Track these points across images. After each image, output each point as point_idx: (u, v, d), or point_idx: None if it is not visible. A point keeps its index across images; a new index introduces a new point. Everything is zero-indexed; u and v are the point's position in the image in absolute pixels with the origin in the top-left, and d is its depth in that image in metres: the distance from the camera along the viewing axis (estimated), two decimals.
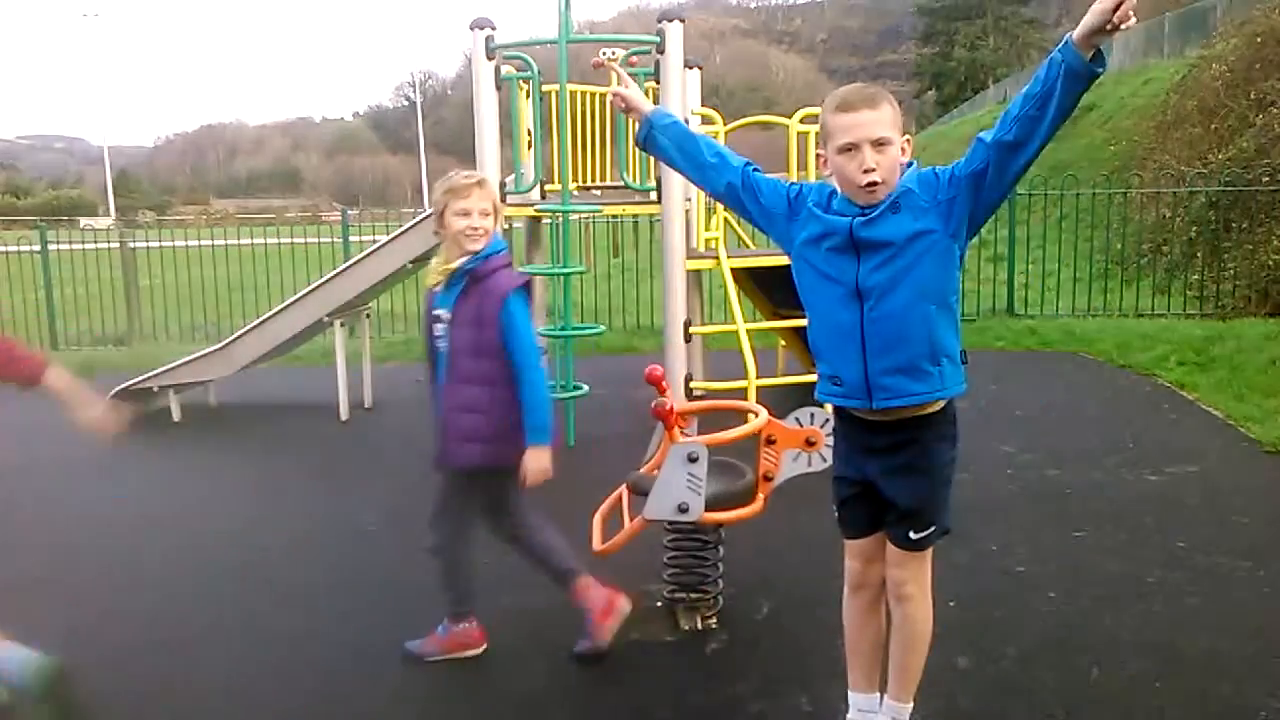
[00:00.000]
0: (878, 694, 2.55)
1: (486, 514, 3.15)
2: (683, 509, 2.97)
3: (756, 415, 3.25)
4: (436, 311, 3.01)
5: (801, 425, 3.16)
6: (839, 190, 2.27)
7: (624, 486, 3.47)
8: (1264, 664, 2.96)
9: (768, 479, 3.19)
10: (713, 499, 3.02)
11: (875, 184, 2.16)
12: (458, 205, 2.92)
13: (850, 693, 2.57)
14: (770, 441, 3.17)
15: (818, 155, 2.27)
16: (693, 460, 2.96)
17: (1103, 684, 2.87)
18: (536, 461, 2.93)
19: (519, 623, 3.41)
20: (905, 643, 2.44)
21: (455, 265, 2.94)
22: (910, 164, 2.26)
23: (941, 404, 2.32)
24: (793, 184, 2.42)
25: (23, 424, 7.00)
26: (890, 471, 2.34)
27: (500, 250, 2.99)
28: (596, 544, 3.37)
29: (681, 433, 3.14)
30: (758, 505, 3.18)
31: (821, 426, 3.16)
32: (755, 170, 2.45)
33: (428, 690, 3.00)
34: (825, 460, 3.17)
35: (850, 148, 2.16)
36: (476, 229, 2.92)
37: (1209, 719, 2.69)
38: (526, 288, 3.00)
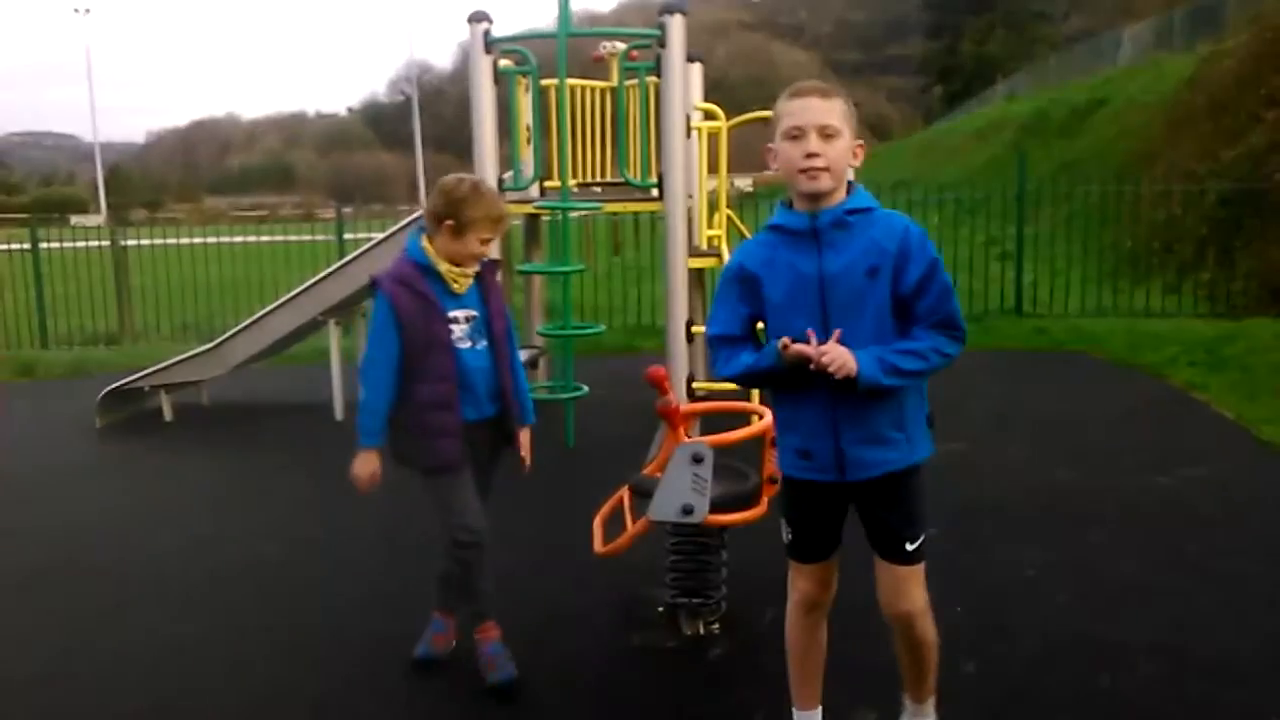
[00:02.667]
0: (820, 707, 2.54)
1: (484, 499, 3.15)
2: (687, 510, 2.92)
3: (761, 416, 3.19)
4: (455, 314, 2.95)
5: None
6: (788, 194, 2.23)
7: (625, 488, 3.44)
8: (1277, 669, 2.92)
9: (772, 482, 3.13)
10: (717, 501, 2.98)
11: (817, 169, 2.11)
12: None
13: (798, 712, 2.53)
14: (774, 443, 3.10)
15: (767, 148, 2.22)
16: (698, 460, 2.91)
17: (1113, 689, 2.82)
18: (529, 440, 3.09)
19: (518, 628, 3.33)
20: (921, 655, 2.42)
21: (479, 268, 3.00)
22: (870, 196, 2.21)
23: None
24: (725, 280, 2.32)
25: (13, 425, 7.00)
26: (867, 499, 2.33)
27: None
28: (598, 546, 3.36)
29: (686, 434, 3.07)
30: (762, 508, 3.15)
31: None
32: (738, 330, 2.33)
33: (425, 694, 2.98)
34: None
35: (796, 133, 2.13)
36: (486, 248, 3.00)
37: None
38: None
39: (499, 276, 3.10)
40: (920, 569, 2.35)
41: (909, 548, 2.31)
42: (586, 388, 5.94)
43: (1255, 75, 12.21)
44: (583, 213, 6.83)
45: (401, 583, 3.83)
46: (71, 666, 3.21)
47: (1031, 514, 4.36)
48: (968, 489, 4.69)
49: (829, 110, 2.12)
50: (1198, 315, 9.16)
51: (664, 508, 2.94)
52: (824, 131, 2.11)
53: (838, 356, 2.08)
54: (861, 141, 2.21)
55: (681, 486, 2.91)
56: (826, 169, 2.12)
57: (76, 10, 69.58)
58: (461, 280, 2.93)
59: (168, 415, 6.76)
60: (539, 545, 4.13)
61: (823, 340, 2.13)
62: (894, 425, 2.22)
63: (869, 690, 2.84)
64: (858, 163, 2.20)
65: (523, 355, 6.64)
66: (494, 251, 3.12)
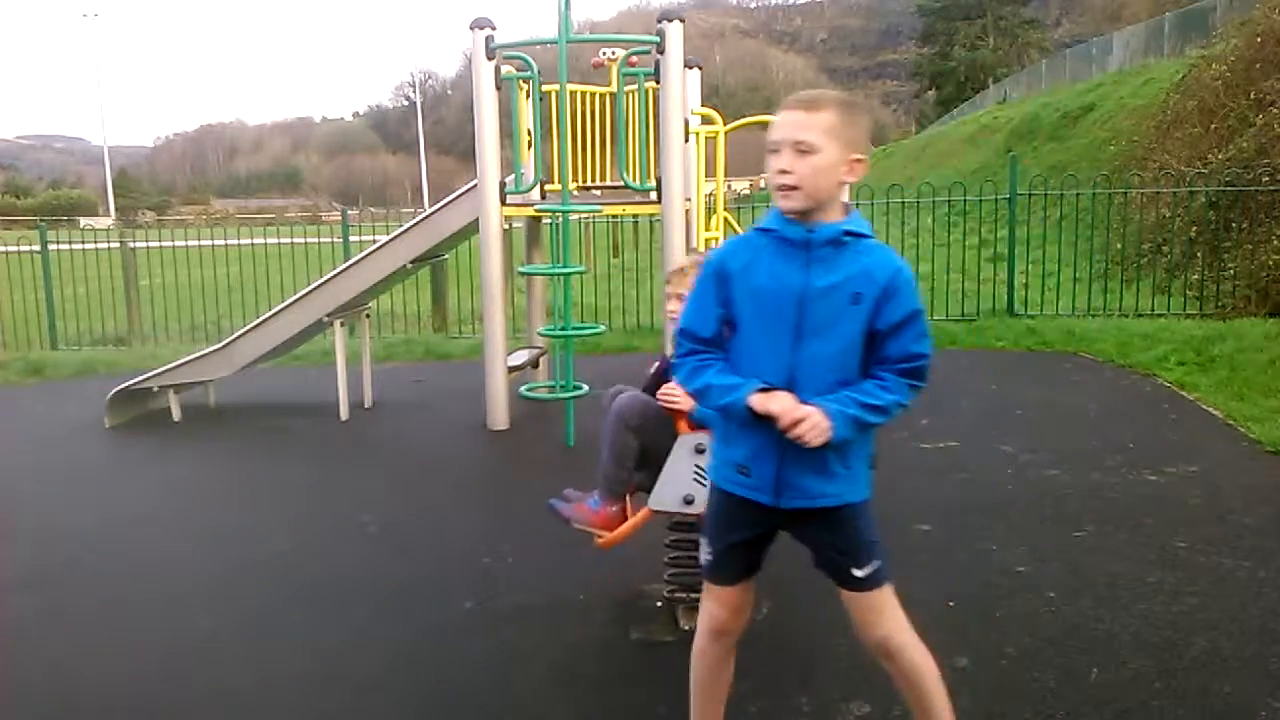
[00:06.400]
0: None
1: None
2: (688, 501, 2.96)
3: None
4: None
5: None
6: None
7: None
8: (1264, 664, 2.95)
9: None
10: None
11: (787, 188, 2.02)
12: (670, 290, 3.15)
13: None
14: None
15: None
16: (700, 452, 2.95)
17: (1102, 684, 2.84)
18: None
19: (519, 622, 3.41)
20: (920, 691, 2.24)
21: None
22: (856, 211, 2.12)
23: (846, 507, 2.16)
24: (704, 275, 2.19)
25: (23, 424, 7.02)
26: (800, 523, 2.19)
27: None
28: (600, 538, 3.34)
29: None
30: None
31: None
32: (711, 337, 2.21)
33: (428, 689, 3.00)
34: None
35: (773, 147, 2.04)
36: (674, 312, 3.16)
37: (1209, 719, 2.69)
38: None
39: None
40: (884, 593, 2.19)
41: (857, 574, 2.17)
42: (587, 387, 5.96)
43: (1244, 79, 12.29)
44: (583, 215, 6.89)
45: (409, 578, 3.85)
46: (80, 664, 3.21)
47: (1022, 510, 4.37)
48: (960, 486, 4.74)
49: (807, 125, 2.01)
50: (1187, 315, 9.18)
51: (666, 498, 2.98)
52: (799, 147, 2.01)
53: (814, 426, 1.99)
54: (859, 156, 2.07)
55: (683, 477, 2.94)
56: (796, 188, 2.01)
57: (85, 15, 69.00)
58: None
59: (176, 415, 6.77)
60: (539, 540, 4.15)
61: (787, 361, 2.06)
62: (840, 460, 2.10)
63: (862, 684, 2.88)
64: (853, 179, 2.08)
65: (524, 355, 6.79)
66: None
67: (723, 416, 2.18)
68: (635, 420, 3.13)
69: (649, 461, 3.13)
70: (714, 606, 2.30)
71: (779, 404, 2.02)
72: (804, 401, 2.03)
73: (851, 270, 2.04)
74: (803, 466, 2.09)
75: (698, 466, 2.95)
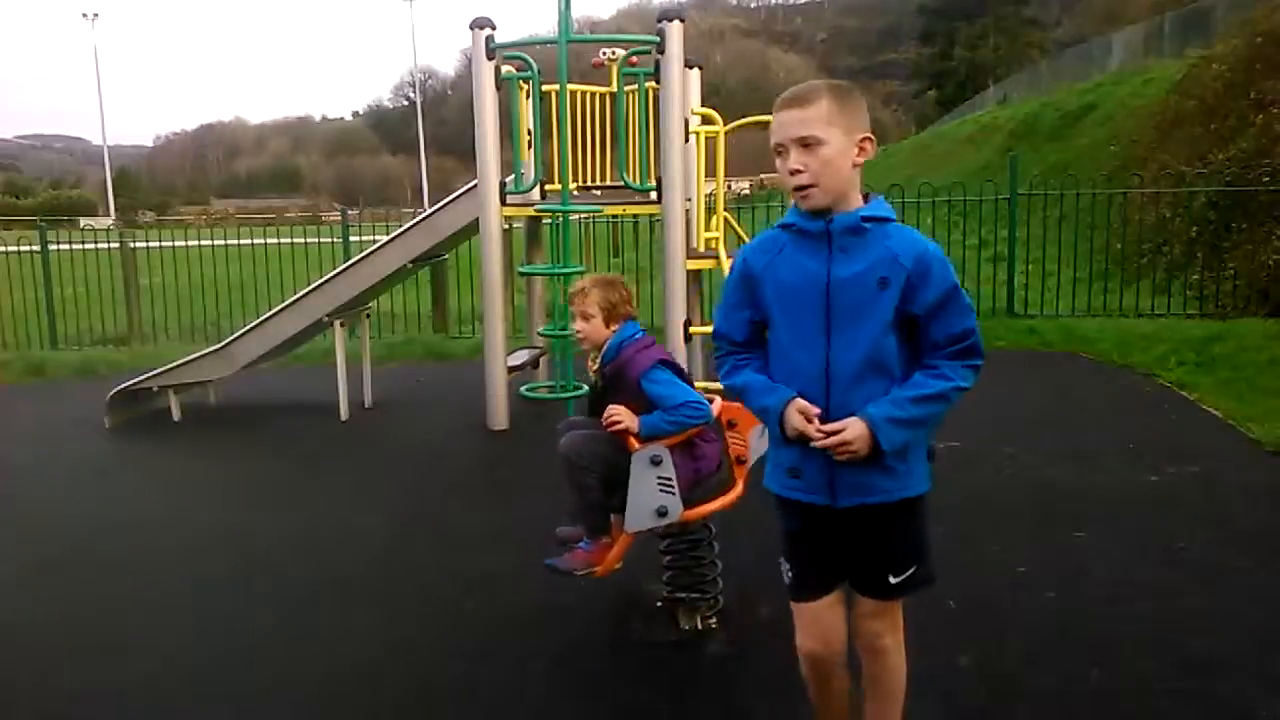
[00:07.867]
0: None
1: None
2: (661, 513, 2.95)
3: (711, 401, 3.16)
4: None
5: None
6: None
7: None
8: (1264, 664, 2.94)
9: (740, 462, 3.20)
10: (691, 496, 3.01)
11: (804, 187, 2.01)
12: (574, 309, 3.24)
13: None
14: (731, 425, 3.21)
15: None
16: (656, 463, 2.94)
17: (1103, 684, 2.85)
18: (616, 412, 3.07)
19: (519, 622, 3.41)
20: (886, 696, 2.26)
21: (595, 368, 3.24)
22: (879, 200, 2.11)
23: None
24: (731, 279, 2.22)
25: (22, 423, 7.01)
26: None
27: (630, 337, 3.18)
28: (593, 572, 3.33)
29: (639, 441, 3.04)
30: (738, 489, 3.18)
31: None
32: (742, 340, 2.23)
33: (427, 691, 2.99)
34: None
35: (779, 150, 2.04)
36: (578, 331, 3.27)
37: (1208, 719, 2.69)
38: (665, 362, 3.13)
39: (643, 374, 3.07)
40: (897, 605, 2.20)
41: (891, 580, 2.14)
42: (587, 387, 5.99)
43: (1244, 80, 12.28)
44: (583, 215, 6.88)
45: (409, 577, 3.86)
46: (77, 663, 3.22)
47: (1023, 511, 4.37)
48: (961, 486, 4.73)
49: (806, 120, 2.00)
50: (1187, 316, 9.16)
51: (638, 517, 2.97)
52: (804, 143, 2.00)
53: (852, 441, 1.99)
54: (868, 134, 2.05)
55: (649, 492, 2.94)
56: (814, 185, 2.00)
57: (85, 15, 68.71)
58: (592, 359, 3.29)
59: (176, 415, 6.77)
60: (539, 540, 4.09)
61: (821, 354, 2.04)
62: (896, 455, 2.05)
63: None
64: (862, 159, 2.05)
65: (524, 355, 6.77)
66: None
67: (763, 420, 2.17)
68: (583, 459, 3.13)
69: (616, 485, 3.09)
70: (801, 635, 2.24)
71: (815, 429, 2.02)
72: (844, 404, 2.03)
73: (875, 256, 2.02)
74: (857, 461, 2.05)
75: (660, 478, 2.95)
